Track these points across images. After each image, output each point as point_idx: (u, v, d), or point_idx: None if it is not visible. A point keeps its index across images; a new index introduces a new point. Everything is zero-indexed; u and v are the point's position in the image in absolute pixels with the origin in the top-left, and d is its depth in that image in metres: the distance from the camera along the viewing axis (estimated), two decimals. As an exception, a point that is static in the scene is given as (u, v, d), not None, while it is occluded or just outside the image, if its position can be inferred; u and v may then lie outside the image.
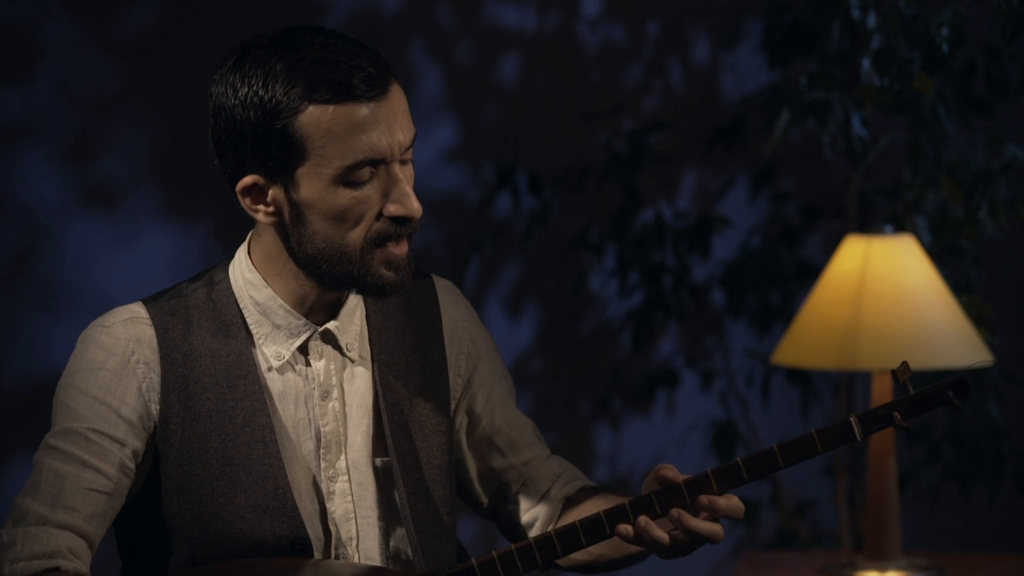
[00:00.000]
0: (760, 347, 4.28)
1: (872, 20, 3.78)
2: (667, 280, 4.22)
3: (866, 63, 3.80)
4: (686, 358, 4.33)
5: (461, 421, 2.32)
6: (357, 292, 2.18)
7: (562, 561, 2.26)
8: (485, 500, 2.34)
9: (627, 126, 4.27)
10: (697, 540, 2.12)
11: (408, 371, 2.24)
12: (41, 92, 3.89)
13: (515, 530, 2.34)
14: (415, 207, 2.12)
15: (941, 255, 3.91)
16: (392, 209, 2.11)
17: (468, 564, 2.11)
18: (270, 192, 2.12)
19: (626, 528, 2.10)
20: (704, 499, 2.12)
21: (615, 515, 2.11)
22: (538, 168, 4.20)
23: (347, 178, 2.09)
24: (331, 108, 2.08)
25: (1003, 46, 3.90)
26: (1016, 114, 4.05)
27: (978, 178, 3.70)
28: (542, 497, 2.31)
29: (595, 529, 2.11)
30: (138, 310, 2.17)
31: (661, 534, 2.10)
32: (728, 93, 4.36)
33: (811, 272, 4.18)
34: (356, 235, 2.11)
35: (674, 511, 2.10)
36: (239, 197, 2.14)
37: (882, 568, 3.37)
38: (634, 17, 4.32)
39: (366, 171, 2.10)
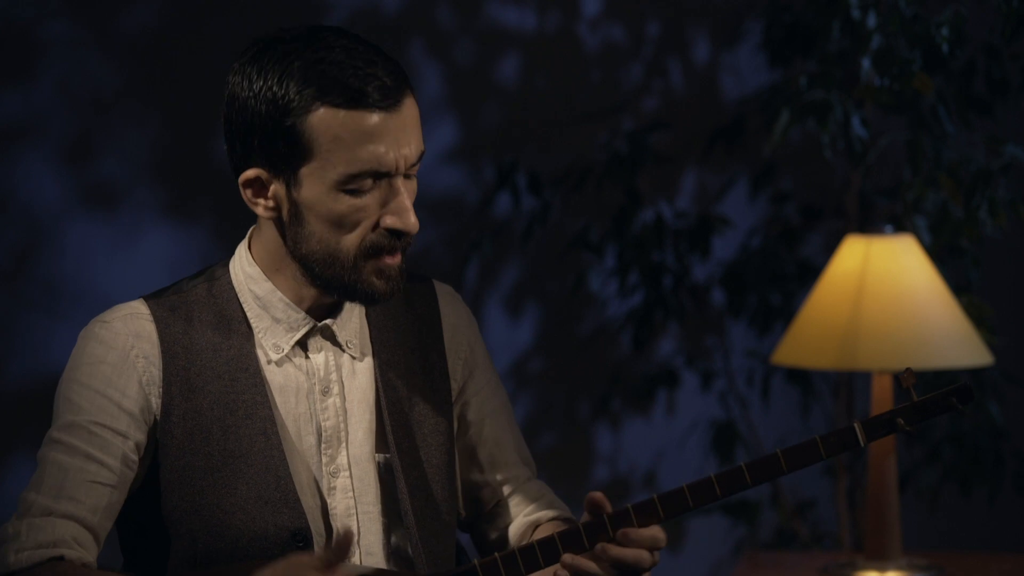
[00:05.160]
0: (760, 347, 4.28)
1: (872, 20, 3.78)
2: (667, 280, 4.22)
3: (866, 63, 3.80)
4: (686, 358, 4.33)
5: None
6: (346, 299, 2.18)
7: None
8: (462, 511, 2.34)
9: (627, 126, 4.27)
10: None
11: (408, 370, 2.24)
12: (41, 92, 3.89)
13: (484, 547, 2.35)
14: (412, 223, 2.13)
15: (941, 255, 3.90)
16: (389, 221, 2.12)
17: (471, 565, 2.11)
18: (272, 187, 2.13)
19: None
20: (621, 532, 2.10)
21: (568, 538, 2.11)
22: (538, 168, 4.20)
23: (349, 185, 2.10)
24: (342, 112, 2.09)
25: (1003, 46, 3.90)
26: (1016, 114, 4.05)
27: (978, 178, 3.69)
28: (512, 520, 2.32)
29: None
30: (138, 306, 2.18)
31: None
32: (728, 93, 4.36)
33: (811, 272, 4.18)
34: (350, 242, 2.12)
35: (598, 547, 2.09)
36: (241, 188, 2.15)
37: (882, 568, 3.37)
38: (634, 17, 4.32)
39: (368, 181, 2.11)
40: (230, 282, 2.21)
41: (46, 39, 3.88)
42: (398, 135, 2.11)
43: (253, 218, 2.21)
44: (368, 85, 2.09)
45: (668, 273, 4.22)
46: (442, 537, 2.23)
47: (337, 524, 2.17)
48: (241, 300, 2.20)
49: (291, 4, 4.05)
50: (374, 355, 2.23)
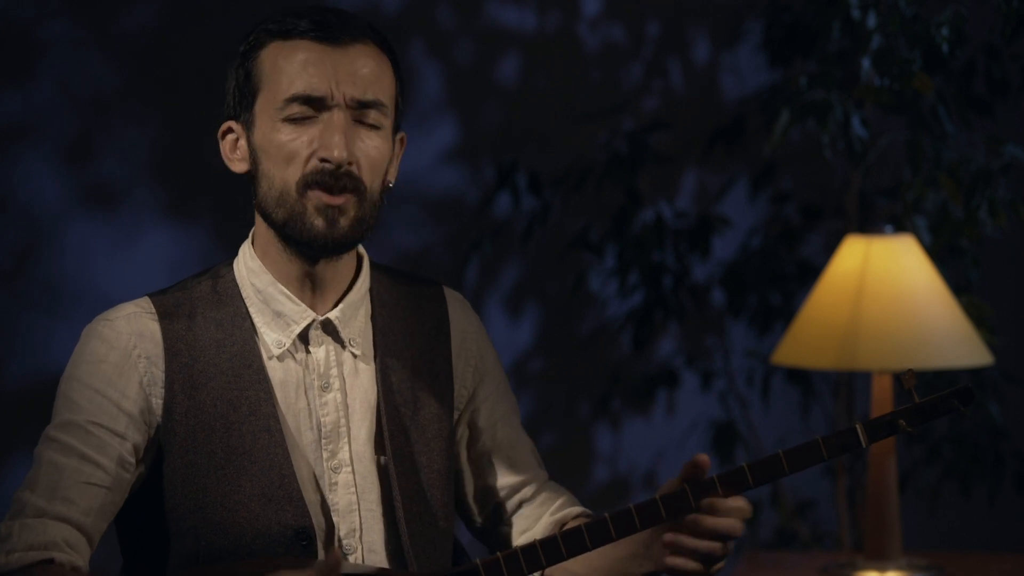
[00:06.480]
0: (760, 347, 4.28)
1: (872, 20, 3.78)
2: (667, 280, 4.22)
3: (866, 63, 3.80)
4: (686, 358, 4.33)
5: (463, 433, 2.32)
6: (296, 244, 2.16)
7: None
8: (479, 519, 2.34)
9: (627, 126, 4.27)
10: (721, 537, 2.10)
11: (413, 374, 2.24)
12: (41, 92, 3.89)
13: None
14: (337, 153, 2.12)
15: (941, 255, 3.90)
16: (318, 151, 2.13)
17: (472, 564, 2.11)
18: (240, 140, 2.18)
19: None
20: (707, 502, 2.10)
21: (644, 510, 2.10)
22: (538, 168, 4.20)
23: (286, 112, 2.14)
24: (286, 43, 2.15)
25: (1003, 46, 3.90)
26: (1016, 114, 4.05)
27: (978, 178, 3.69)
28: (537, 521, 2.31)
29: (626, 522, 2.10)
30: (143, 304, 2.19)
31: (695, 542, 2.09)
32: (728, 93, 4.36)
33: (811, 272, 4.18)
34: (291, 175, 2.14)
35: (690, 518, 2.09)
36: (220, 144, 2.20)
37: (882, 568, 3.36)
38: (634, 17, 4.32)
39: (305, 109, 2.14)
40: (234, 279, 2.21)
41: (46, 39, 3.88)
42: (337, 68, 2.14)
43: (253, 218, 2.22)
44: (315, 19, 2.15)
45: (668, 273, 4.22)
46: (438, 543, 2.23)
47: (340, 520, 2.17)
48: (244, 296, 2.20)
49: (291, 5, 4.04)
50: (377, 358, 2.23)
